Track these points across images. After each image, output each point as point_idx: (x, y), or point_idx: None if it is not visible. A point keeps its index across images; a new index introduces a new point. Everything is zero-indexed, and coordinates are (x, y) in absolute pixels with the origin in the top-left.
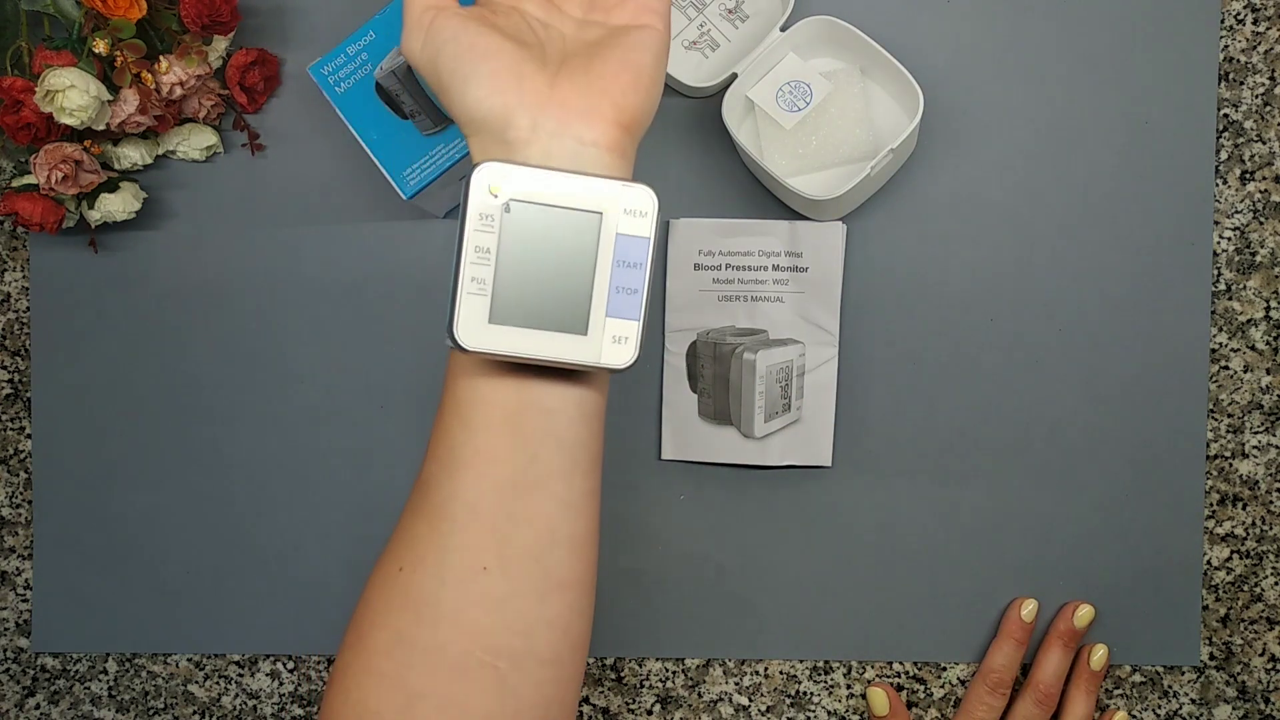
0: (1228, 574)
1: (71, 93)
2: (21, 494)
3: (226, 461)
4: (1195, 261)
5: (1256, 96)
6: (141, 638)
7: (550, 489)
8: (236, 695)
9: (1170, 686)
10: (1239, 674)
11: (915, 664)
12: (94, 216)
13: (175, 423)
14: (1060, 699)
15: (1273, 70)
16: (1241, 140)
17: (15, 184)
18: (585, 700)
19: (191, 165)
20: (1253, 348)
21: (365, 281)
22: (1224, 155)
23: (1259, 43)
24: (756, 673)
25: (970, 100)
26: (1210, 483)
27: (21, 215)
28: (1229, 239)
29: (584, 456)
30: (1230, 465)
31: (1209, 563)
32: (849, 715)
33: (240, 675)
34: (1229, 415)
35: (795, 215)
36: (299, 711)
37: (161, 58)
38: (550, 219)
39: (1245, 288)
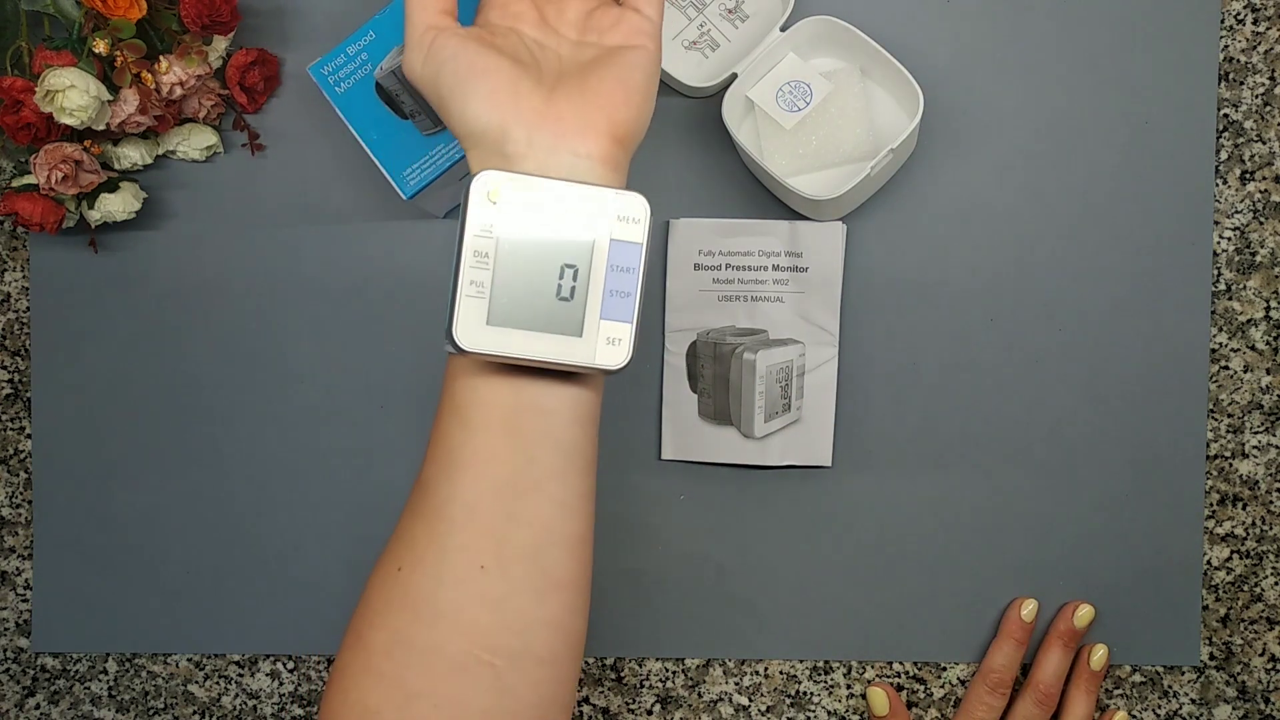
0: (1228, 574)
1: (71, 93)
2: (21, 494)
3: (226, 461)
4: (1195, 261)
5: (1256, 96)
6: (141, 638)
7: (547, 490)
8: (236, 695)
9: (1170, 686)
10: (1239, 674)
11: (915, 664)
12: (94, 216)
13: (175, 423)
14: (1060, 699)
15: (1273, 70)
16: (1241, 140)
17: (15, 184)
18: (585, 700)
19: (191, 165)
20: (1253, 348)
21: (365, 281)
22: (1224, 155)
23: (1259, 43)
24: (756, 673)
25: (970, 100)
26: (1210, 483)
27: (21, 215)
28: (1229, 239)
29: (580, 458)
30: (1230, 465)
31: (1209, 563)
32: (849, 715)
33: (240, 675)
34: (1229, 415)
35: (795, 215)
36: (299, 711)
37: (161, 58)
38: (546, 225)
39: (1245, 288)
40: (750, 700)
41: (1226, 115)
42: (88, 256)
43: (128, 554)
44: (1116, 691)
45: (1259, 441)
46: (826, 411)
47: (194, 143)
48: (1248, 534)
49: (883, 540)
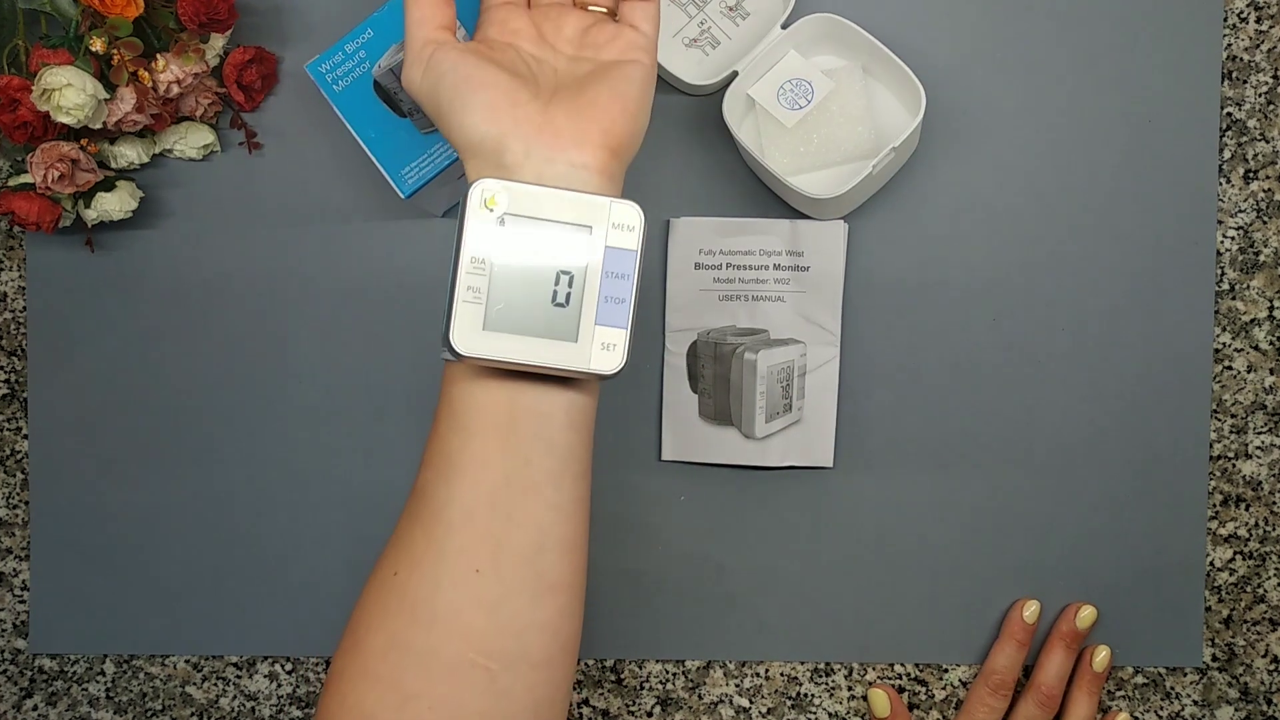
0: (1230, 575)
1: (68, 91)
2: (18, 494)
3: (224, 461)
4: (1198, 261)
5: (1260, 95)
6: (139, 639)
7: (542, 493)
8: (234, 697)
9: (1173, 688)
10: (1241, 675)
11: (917, 665)
12: (90, 215)
13: (172, 423)
14: (1062, 700)
15: (1276, 69)
16: (1245, 139)
17: (11, 183)
18: (585, 702)
19: (188, 164)
20: (1256, 348)
21: (363, 280)
22: (1227, 154)
23: (1262, 41)
24: (757, 674)
25: (973, 99)
26: (1213, 483)
27: (18, 214)
28: (1232, 238)
29: (575, 462)
30: (1233, 466)
31: (1212, 564)
32: (850, 717)
33: (238, 677)
34: (1232, 415)
35: (796, 214)
36: (297, 713)
37: (158, 56)
38: (542, 232)
39: (1249, 287)
40: (751, 702)
41: (1230, 114)
42: (84, 256)
43: (125, 555)
44: (1119, 693)
45: (1262, 442)
46: (828, 412)
47: (191, 141)
48: (1250, 535)
49: (884, 541)
